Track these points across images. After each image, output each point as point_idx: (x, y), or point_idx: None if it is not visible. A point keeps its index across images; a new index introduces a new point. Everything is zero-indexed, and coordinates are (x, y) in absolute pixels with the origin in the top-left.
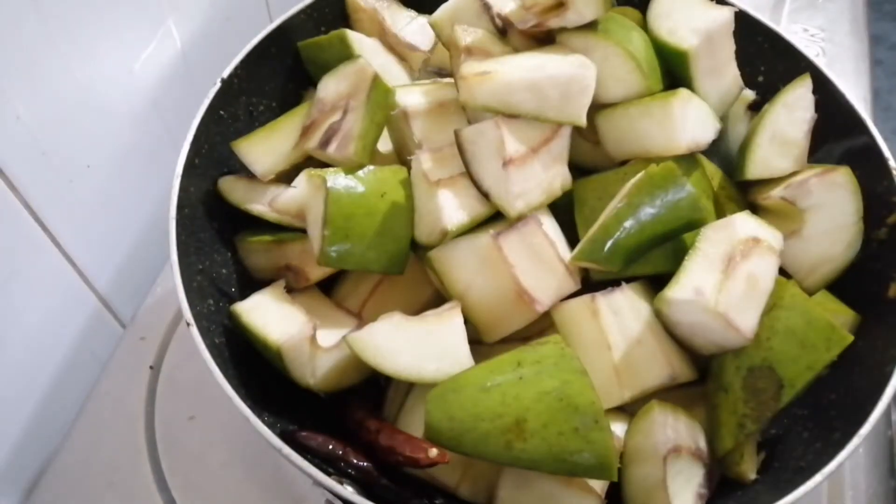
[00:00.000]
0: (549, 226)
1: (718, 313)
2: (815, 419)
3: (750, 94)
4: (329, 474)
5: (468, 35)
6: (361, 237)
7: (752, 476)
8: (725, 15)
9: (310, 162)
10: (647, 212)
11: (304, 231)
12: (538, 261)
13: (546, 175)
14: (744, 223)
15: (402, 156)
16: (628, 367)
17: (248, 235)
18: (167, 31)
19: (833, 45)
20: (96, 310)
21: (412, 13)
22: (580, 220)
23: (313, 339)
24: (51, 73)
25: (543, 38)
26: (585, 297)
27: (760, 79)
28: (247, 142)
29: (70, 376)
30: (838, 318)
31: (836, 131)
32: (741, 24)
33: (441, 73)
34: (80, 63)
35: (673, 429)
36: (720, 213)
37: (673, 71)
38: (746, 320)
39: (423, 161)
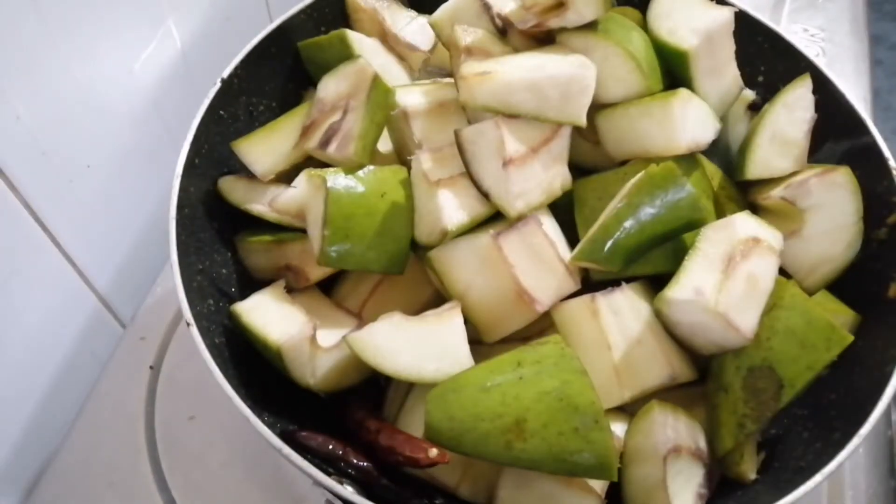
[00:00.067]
0: (549, 226)
1: (718, 313)
2: (815, 419)
3: (750, 94)
4: (329, 474)
5: (468, 35)
6: (361, 237)
7: (752, 476)
8: (725, 15)
9: (310, 162)
10: (647, 212)
11: (304, 231)
12: (538, 261)
13: (546, 175)
14: (744, 223)
15: (402, 156)
16: (628, 367)
17: (248, 235)
18: (167, 31)
19: (833, 45)
20: (96, 310)
21: (412, 13)
22: (580, 220)
23: (313, 339)
24: (51, 73)
25: (543, 38)
26: (585, 297)
27: (760, 79)
28: (247, 142)
29: (70, 376)
30: (838, 318)
31: (836, 131)
32: (741, 24)
33: (441, 73)
34: (80, 63)
35: (673, 429)
36: (720, 213)
37: (673, 71)
38: (746, 320)
39: (423, 161)
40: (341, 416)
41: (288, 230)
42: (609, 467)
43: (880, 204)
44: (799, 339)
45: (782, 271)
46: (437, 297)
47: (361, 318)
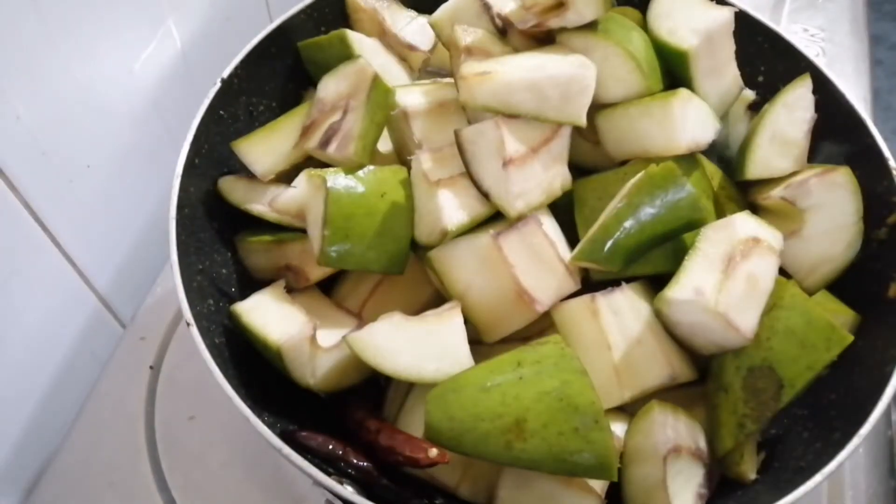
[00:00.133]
0: (549, 226)
1: (718, 313)
2: (815, 419)
3: (750, 94)
4: (329, 474)
5: (468, 35)
6: (361, 237)
7: (752, 476)
8: (725, 15)
9: (310, 162)
10: (647, 212)
11: (304, 231)
12: (538, 261)
13: (546, 175)
14: (744, 223)
15: (402, 156)
16: (628, 367)
17: (248, 235)
18: (167, 31)
19: (833, 45)
20: (96, 310)
21: (412, 13)
22: (580, 220)
23: (313, 339)
24: (51, 73)
25: (543, 38)
26: (585, 297)
27: (760, 79)
28: (247, 142)
29: (70, 376)
30: (838, 318)
31: (836, 131)
32: (741, 24)
33: (441, 73)
34: (80, 63)
35: (673, 429)
36: (720, 213)
37: (673, 71)
38: (746, 320)
39: (423, 161)
40: (341, 416)
41: (288, 230)
42: (609, 467)
43: (880, 204)
44: (799, 339)
45: (782, 271)
46: (437, 297)
47: (361, 318)
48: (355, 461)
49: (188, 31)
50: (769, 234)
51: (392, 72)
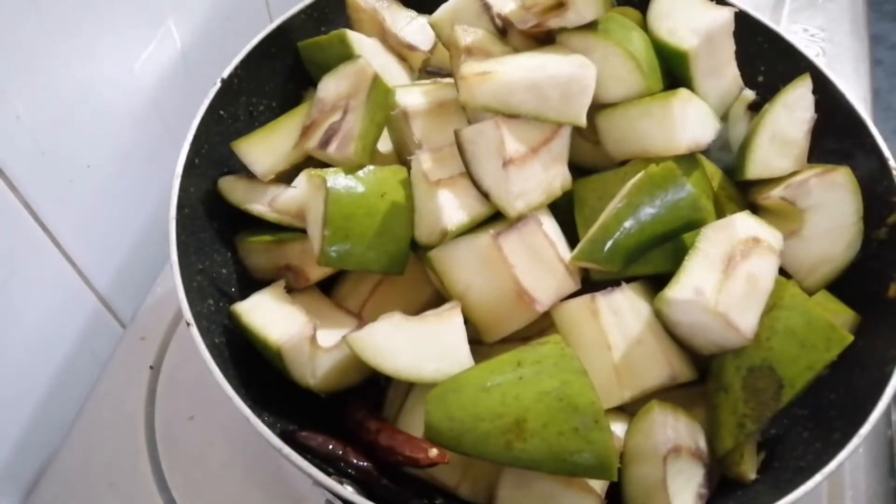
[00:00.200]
0: (549, 226)
1: (718, 313)
2: (815, 419)
3: (750, 94)
4: (329, 474)
5: (468, 35)
6: (361, 237)
7: (752, 476)
8: (725, 15)
9: (310, 162)
10: (647, 212)
11: (304, 231)
12: (538, 261)
13: (546, 175)
14: (744, 223)
15: (402, 156)
16: (628, 367)
17: (248, 235)
18: (167, 31)
19: (833, 45)
20: (96, 310)
21: (412, 13)
22: (580, 220)
23: (313, 339)
24: (51, 73)
25: (543, 38)
26: (585, 297)
27: (760, 79)
28: (247, 142)
29: (70, 376)
30: (838, 318)
31: (836, 131)
32: (741, 24)
33: (441, 73)
34: (80, 63)
35: (673, 429)
36: (720, 213)
37: (673, 71)
38: (746, 320)
39: (423, 161)
40: (341, 416)
41: (288, 230)
42: (609, 467)
43: (880, 204)
44: (799, 339)
45: (782, 271)
46: (437, 297)
47: (361, 318)
48: (355, 461)
49: (188, 31)
50: (769, 234)
51: (392, 72)
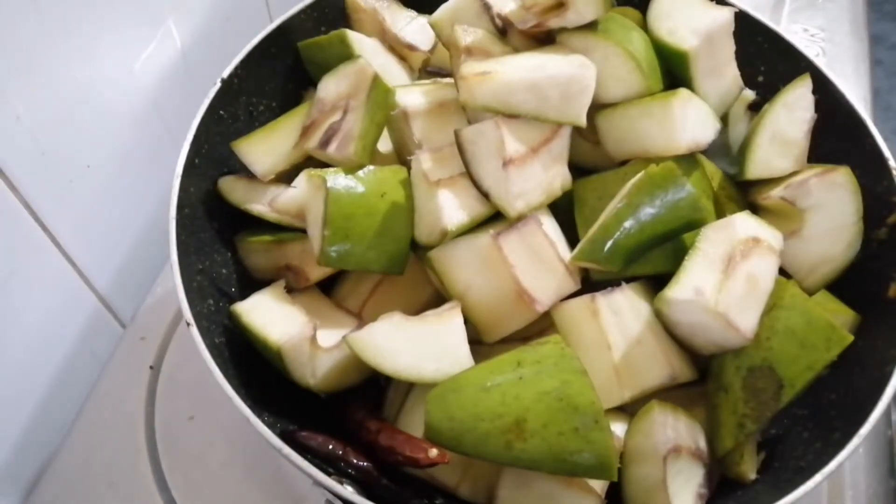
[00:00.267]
0: (549, 226)
1: (718, 313)
2: (815, 419)
3: (750, 94)
4: (329, 474)
5: (468, 35)
6: (361, 237)
7: (752, 476)
8: (725, 15)
9: (310, 162)
10: (647, 212)
11: (304, 231)
12: (538, 261)
13: (546, 175)
14: (744, 223)
15: (402, 156)
16: (628, 367)
17: (248, 235)
18: (167, 31)
19: (833, 45)
20: (96, 310)
21: (412, 13)
22: (580, 220)
23: (313, 339)
24: (51, 73)
25: (543, 38)
26: (585, 297)
27: (760, 79)
28: (247, 142)
29: (70, 376)
30: (838, 318)
31: (836, 131)
32: (741, 24)
33: (441, 73)
34: (80, 63)
35: (673, 429)
36: (720, 213)
37: (673, 71)
38: (746, 320)
39: (423, 161)
40: (341, 416)
41: (288, 230)
42: (609, 467)
43: (880, 204)
44: (799, 339)
45: (782, 271)
46: (437, 297)
47: (361, 318)
48: (355, 461)
49: (188, 31)
50: (769, 234)
51: (392, 72)
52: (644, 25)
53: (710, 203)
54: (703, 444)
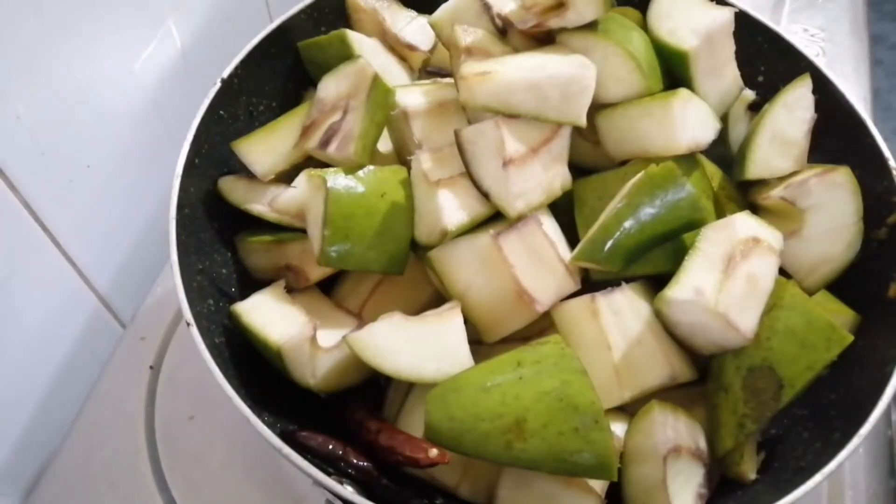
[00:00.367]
0: (549, 226)
1: (718, 313)
2: (815, 419)
3: (750, 94)
4: (329, 474)
5: (468, 35)
6: (361, 237)
7: (752, 476)
8: (725, 15)
9: (310, 162)
10: (647, 212)
11: (304, 231)
12: (538, 261)
13: (546, 175)
14: (744, 223)
15: (402, 156)
16: (628, 367)
17: (248, 235)
18: (167, 31)
19: (833, 45)
20: (96, 310)
21: (412, 13)
22: (580, 220)
23: (313, 339)
24: (51, 73)
25: (543, 38)
26: (585, 297)
27: (760, 79)
28: (247, 142)
29: (70, 376)
30: (838, 318)
31: (836, 131)
32: (741, 24)
33: (441, 73)
34: (80, 63)
35: (673, 429)
36: (720, 213)
37: (673, 71)
38: (746, 320)
39: (423, 161)
40: (341, 416)
41: (288, 230)
42: (609, 467)
43: (880, 204)
44: (799, 339)
45: (782, 271)
46: (437, 297)
47: (361, 318)
48: (355, 461)
49: (188, 31)
50: (769, 234)
51: (392, 72)
52: (644, 25)
53: (710, 203)
54: (703, 444)
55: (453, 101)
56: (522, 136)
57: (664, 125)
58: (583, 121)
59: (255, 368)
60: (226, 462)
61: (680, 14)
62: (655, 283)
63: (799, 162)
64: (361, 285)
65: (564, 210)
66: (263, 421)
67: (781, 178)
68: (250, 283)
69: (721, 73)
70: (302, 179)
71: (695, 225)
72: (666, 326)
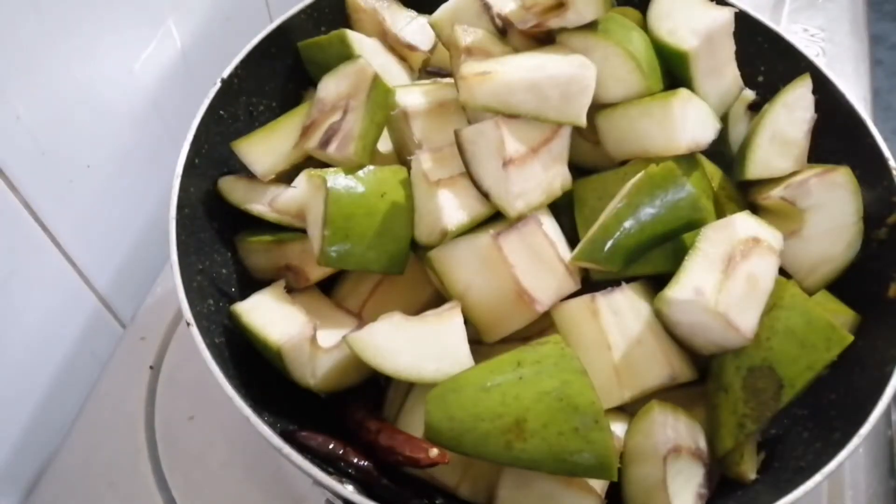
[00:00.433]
0: (549, 226)
1: (718, 313)
2: (815, 419)
3: (750, 94)
4: (329, 474)
5: (468, 35)
6: (361, 237)
7: (752, 476)
8: (725, 15)
9: (310, 162)
10: (647, 212)
11: (304, 231)
12: (538, 261)
13: (546, 175)
14: (744, 223)
15: (402, 156)
16: (628, 367)
17: (248, 235)
18: (167, 31)
19: (833, 45)
20: (96, 310)
21: (412, 13)
22: (580, 220)
23: (313, 339)
24: (51, 73)
25: (543, 38)
26: (585, 297)
27: (760, 79)
28: (247, 142)
29: (70, 376)
30: (838, 318)
31: (836, 131)
32: (741, 24)
33: (441, 73)
34: (80, 63)
35: (673, 429)
36: (720, 213)
37: (673, 71)
38: (746, 320)
39: (423, 161)
40: (341, 416)
41: (288, 230)
42: (609, 467)
43: (880, 204)
44: (799, 339)
45: (782, 271)
46: (437, 297)
47: (361, 318)
48: (355, 461)
49: (188, 31)
50: (769, 234)
51: (392, 72)
52: (644, 25)
53: (710, 203)
54: (703, 444)
55: (453, 101)
56: (522, 136)
57: (664, 125)
58: (583, 121)
59: (255, 368)
60: (226, 462)
61: (680, 14)
62: (655, 283)
63: (799, 162)
64: (361, 285)
65: (564, 210)
66: (263, 421)
67: (781, 178)
68: (250, 283)
69: (721, 73)
70: (302, 179)
71: (695, 225)
72: (666, 326)
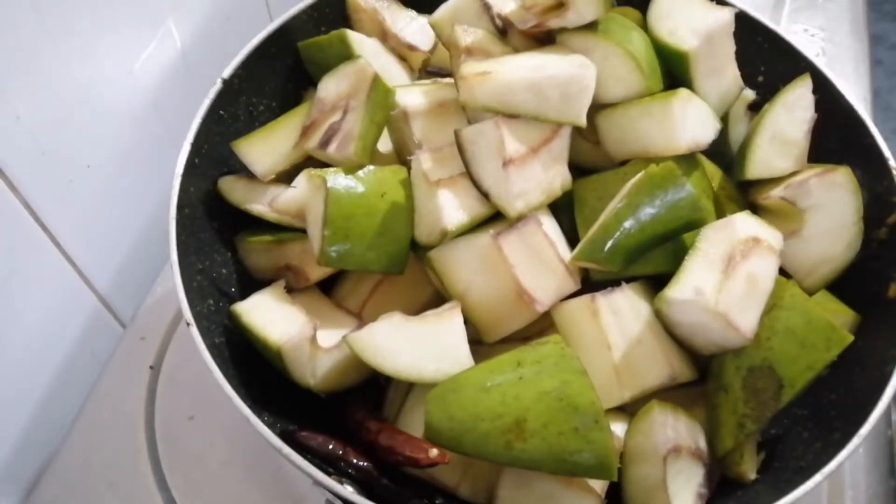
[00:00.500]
0: (549, 226)
1: (718, 313)
2: (815, 419)
3: (750, 94)
4: (329, 474)
5: (468, 35)
6: (361, 237)
7: (752, 476)
8: (725, 16)
9: (310, 162)
10: (647, 212)
11: (304, 231)
12: (538, 261)
13: (546, 175)
14: (744, 223)
15: (402, 156)
16: (628, 367)
17: (248, 235)
18: (167, 31)
19: (833, 45)
20: (96, 310)
21: (412, 13)
22: (580, 220)
23: (313, 339)
24: (51, 73)
25: (543, 38)
26: (585, 297)
27: (760, 79)
28: (247, 142)
29: (70, 376)
30: (838, 318)
31: (836, 131)
32: (741, 24)
33: (441, 73)
34: (80, 63)
35: (673, 429)
36: (720, 213)
37: (673, 71)
38: (746, 320)
39: (423, 161)
40: (341, 416)
41: (288, 230)
42: (609, 467)
43: (880, 204)
44: (799, 339)
45: (782, 271)
46: (437, 297)
47: (361, 318)
48: (355, 461)
49: (188, 31)
50: (769, 234)
51: (392, 72)
52: (644, 25)
53: (710, 203)
54: (703, 444)
55: (453, 101)
56: (522, 136)
57: (664, 125)
58: (583, 121)
59: (255, 368)
60: (226, 462)
61: (680, 14)
62: (655, 283)
63: (799, 162)
64: (361, 285)
65: (564, 210)
66: (263, 421)
67: (781, 178)
68: (250, 283)
69: (721, 74)
70: (302, 179)
71: (695, 225)
72: (666, 326)
